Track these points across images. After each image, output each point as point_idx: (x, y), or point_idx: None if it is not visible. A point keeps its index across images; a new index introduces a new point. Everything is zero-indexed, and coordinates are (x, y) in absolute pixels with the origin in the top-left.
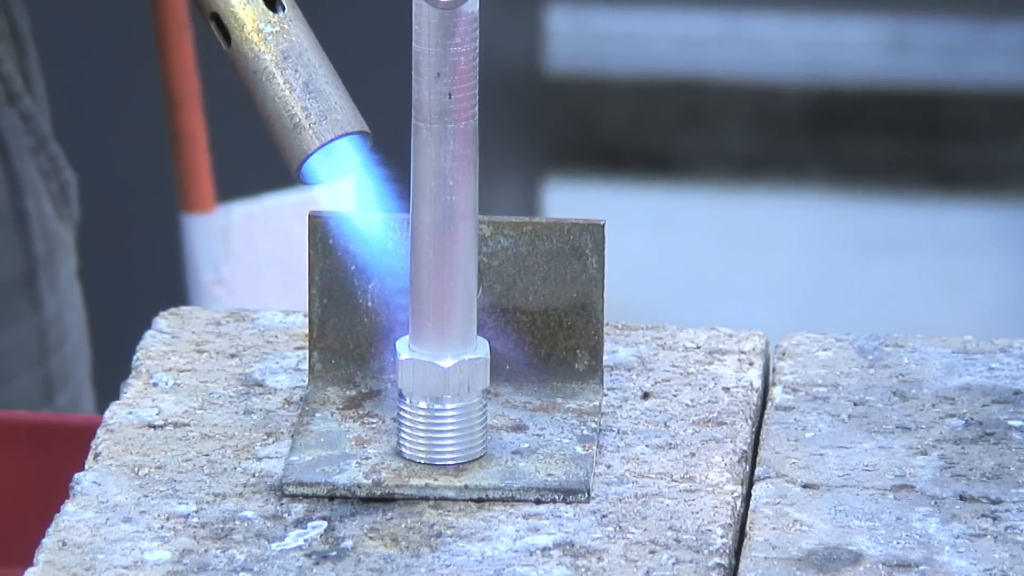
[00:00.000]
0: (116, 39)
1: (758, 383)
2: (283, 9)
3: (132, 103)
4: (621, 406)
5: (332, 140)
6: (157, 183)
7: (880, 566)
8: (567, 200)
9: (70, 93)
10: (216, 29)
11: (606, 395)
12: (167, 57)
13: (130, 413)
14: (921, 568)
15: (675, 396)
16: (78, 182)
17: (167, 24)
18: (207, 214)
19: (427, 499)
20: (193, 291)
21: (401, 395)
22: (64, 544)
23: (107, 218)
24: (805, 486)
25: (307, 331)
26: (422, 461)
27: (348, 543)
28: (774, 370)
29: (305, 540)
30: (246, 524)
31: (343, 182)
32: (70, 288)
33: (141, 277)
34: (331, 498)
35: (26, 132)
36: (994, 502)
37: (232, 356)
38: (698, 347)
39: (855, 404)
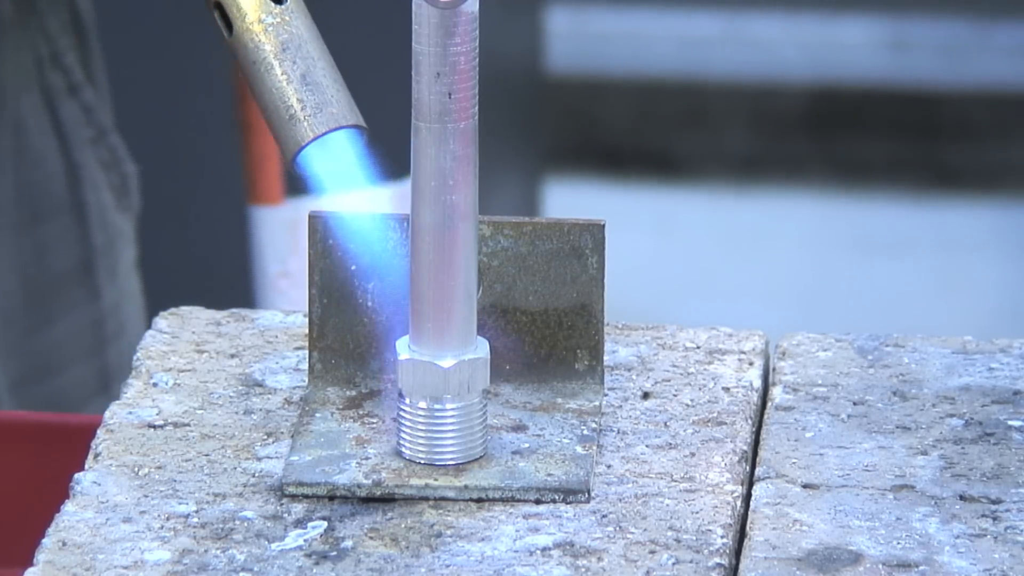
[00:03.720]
0: (187, 30)
1: (758, 383)
2: (286, 0)
3: (203, 94)
4: (621, 406)
5: (326, 133)
6: (227, 174)
7: (880, 566)
8: (567, 200)
9: (140, 84)
10: (219, 18)
11: (606, 395)
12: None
13: (130, 413)
14: (921, 568)
15: (675, 396)
16: (144, 173)
17: None
18: (275, 207)
19: (427, 499)
20: (258, 283)
21: (401, 395)
22: (64, 544)
23: (174, 210)
24: (805, 486)
25: (307, 331)
26: (422, 461)
27: (348, 543)
28: (774, 370)
29: (305, 540)
30: (246, 524)
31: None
32: (129, 279)
33: (206, 268)
34: (331, 498)
35: (87, 124)
36: (994, 502)
37: (232, 356)
38: (698, 347)
39: (855, 404)
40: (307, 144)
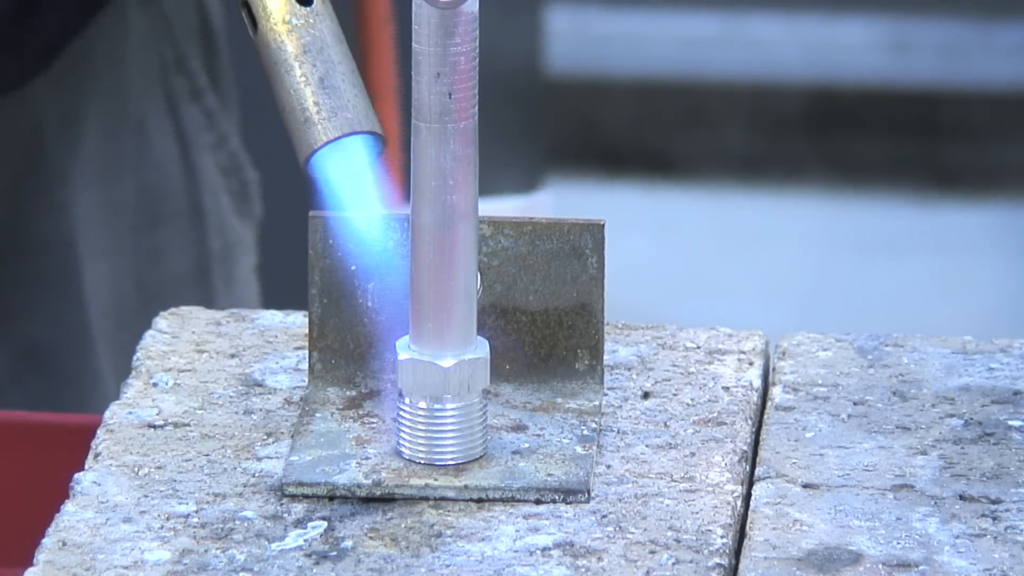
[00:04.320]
0: None
1: (758, 383)
2: (312, 4)
3: None
4: (621, 406)
5: (339, 137)
6: None
7: (880, 566)
8: (567, 200)
9: (267, 91)
10: (246, 16)
11: (606, 395)
12: (366, 50)
13: (130, 413)
14: (921, 568)
15: (675, 396)
16: (266, 180)
17: (369, 17)
18: None
19: (427, 499)
20: None
21: (401, 395)
22: (64, 544)
23: (297, 216)
24: (805, 486)
25: (307, 331)
26: (422, 461)
27: (348, 543)
28: (774, 370)
29: (305, 540)
30: (246, 524)
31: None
32: (247, 286)
33: None
34: (331, 498)
35: (208, 129)
36: (994, 502)
37: (232, 356)
38: (698, 347)
39: (855, 404)
40: (320, 148)
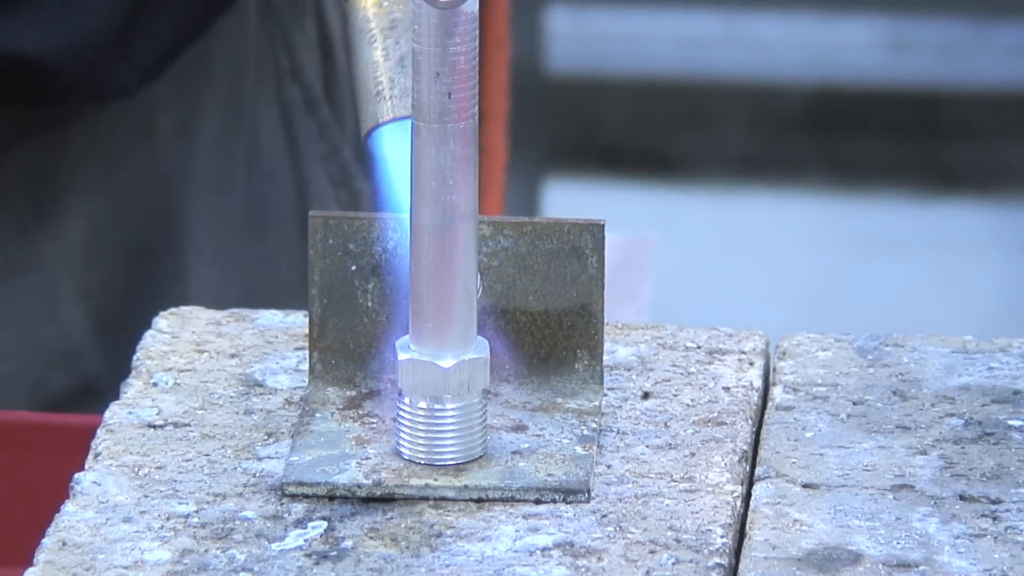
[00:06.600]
0: None
1: (758, 383)
2: None
3: None
4: (621, 406)
5: (406, 117)
6: None
7: (880, 566)
8: (567, 200)
9: None
10: None
11: (606, 395)
12: (480, 70)
13: (130, 413)
14: (921, 568)
15: (675, 396)
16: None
17: (485, 37)
18: None
19: (427, 499)
20: None
21: (401, 395)
22: (64, 544)
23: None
24: (805, 486)
25: (307, 331)
26: (422, 461)
27: (348, 543)
28: (774, 370)
29: (305, 540)
30: (246, 524)
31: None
32: None
33: None
34: (331, 498)
35: (320, 139)
36: (994, 502)
37: (232, 356)
38: (698, 347)
39: (855, 404)
40: (384, 123)
